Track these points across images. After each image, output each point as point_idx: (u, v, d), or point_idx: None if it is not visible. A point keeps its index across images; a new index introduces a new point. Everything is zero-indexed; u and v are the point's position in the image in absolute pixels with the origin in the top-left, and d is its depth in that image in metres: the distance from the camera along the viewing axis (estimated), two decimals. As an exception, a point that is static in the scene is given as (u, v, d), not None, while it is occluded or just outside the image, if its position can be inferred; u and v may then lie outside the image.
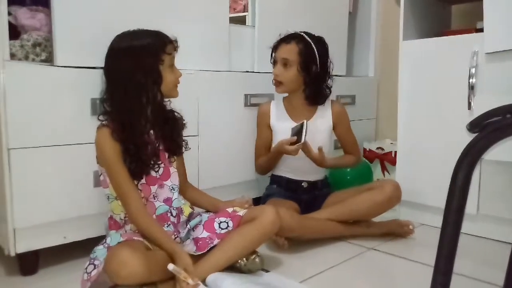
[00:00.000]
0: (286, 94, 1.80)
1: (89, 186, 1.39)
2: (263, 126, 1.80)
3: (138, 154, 1.22)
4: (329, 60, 1.73)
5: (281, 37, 1.71)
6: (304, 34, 1.70)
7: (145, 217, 1.21)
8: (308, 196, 1.77)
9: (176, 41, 1.29)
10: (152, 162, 1.26)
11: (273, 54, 1.73)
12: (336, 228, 1.61)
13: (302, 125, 1.58)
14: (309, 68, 1.67)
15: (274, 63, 1.73)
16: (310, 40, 1.68)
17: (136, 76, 1.20)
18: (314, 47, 1.68)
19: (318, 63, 1.68)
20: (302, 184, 1.77)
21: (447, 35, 1.84)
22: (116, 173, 1.21)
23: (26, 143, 1.26)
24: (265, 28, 1.92)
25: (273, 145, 1.77)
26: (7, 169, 1.23)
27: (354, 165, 1.86)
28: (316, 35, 1.72)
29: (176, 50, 1.29)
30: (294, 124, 1.71)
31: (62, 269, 1.39)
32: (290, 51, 1.67)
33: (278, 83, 1.71)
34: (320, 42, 1.71)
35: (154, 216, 1.29)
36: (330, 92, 1.77)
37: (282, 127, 1.75)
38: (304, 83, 1.70)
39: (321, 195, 1.78)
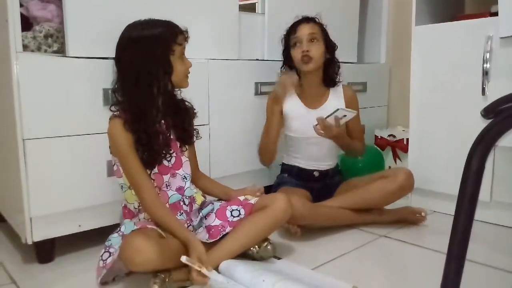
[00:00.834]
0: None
1: (103, 175, 1.41)
2: (274, 111, 1.78)
3: (150, 144, 1.23)
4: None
5: (295, 20, 1.72)
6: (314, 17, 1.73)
7: (158, 206, 1.23)
8: (319, 185, 1.77)
9: (186, 31, 1.28)
10: (164, 152, 1.27)
11: (292, 37, 1.70)
12: (348, 216, 1.62)
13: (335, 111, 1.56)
14: (330, 45, 1.71)
15: (294, 45, 1.70)
16: (322, 23, 1.73)
17: (147, 66, 1.20)
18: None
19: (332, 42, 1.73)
20: (314, 173, 1.77)
21: (460, 20, 1.80)
22: (129, 164, 1.22)
23: (40, 133, 1.28)
24: (275, 15, 1.91)
25: (285, 132, 1.78)
26: (22, 159, 1.25)
27: (360, 153, 1.83)
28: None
29: (186, 41, 1.29)
30: (307, 109, 1.73)
31: (78, 257, 1.42)
32: (314, 28, 1.69)
33: (308, 59, 1.66)
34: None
35: (167, 205, 1.30)
36: (339, 78, 1.78)
37: (294, 112, 1.75)
38: (326, 61, 1.72)
39: (332, 183, 1.78)
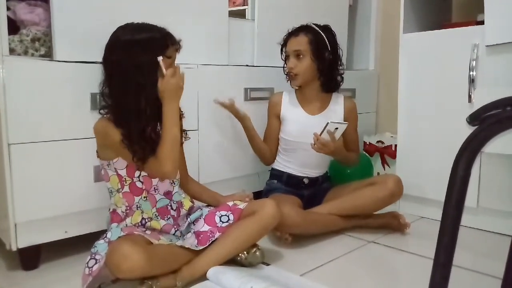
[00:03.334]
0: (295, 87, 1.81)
1: (90, 180, 1.39)
2: (273, 117, 1.80)
3: (133, 148, 1.20)
4: (338, 47, 1.74)
5: (289, 31, 1.72)
6: (311, 24, 1.71)
7: (157, 160, 1.21)
8: (309, 192, 1.77)
9: (179, 42, 1.26)
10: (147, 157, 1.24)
11: (284, 50, 1.74)
12: (339, 222, 1.62)
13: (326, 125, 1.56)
14: (321, 55, 1.69)
15: (286, 58, 1.73)
16: (317, 29, 1.70)
17: (135, 74, 1.17)
18: (323, 35, 1.69)
19: (329, 49, 1.70)
20: (303, 180, 1.77)
21: (447, 28, 1.83)
22: (126, 152, 1.20)
23: (26, 138, 1.26)
24: (265, 21, 1.92)
25: (281, 135, 1.78)
26: (7, 164, 1.23)
27: (354, 164, 1.84)
28: (322, 24, 1.73)
29: (178, 51, 1.27)
30: (305, 115, 1.74)
31: (64, 264, 1.39)
32: (301, 42, 1.68)
33: (293, 76, 1.70)
34: (328, 30, 1.73)
35: (154, 209, 1.29)
36: (342, 79, 1.78)
37: (293, 116, 1.76)
38: (318, 71, 1.71)
39: (321, 190, 1.79)
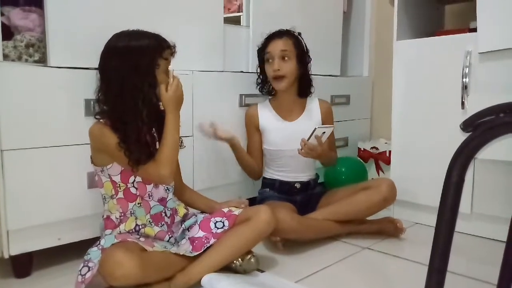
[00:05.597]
0: (269, 97, 1.83)
1: (83, 187, 1.38)
2: (252, 130, 1.80)
3: (129, 150, 1.19)
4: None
5: (267, 35, 1.73)
6: (289, 29, 1.74)
7: (155, 163, 1.22)
8: (302, 197, 1.77)
9: (174, 46, 1.27)
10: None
11: (264, 52, 1.73)
12: (334, 227, 1.62)
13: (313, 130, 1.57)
14: (304, 59, 1.71)
15: (267, 60, 1.72)
16: (296, 33, 1.73)
17: (132, 78, 1.19)
18: (301, 39, 1.73)
19: (307, 54, 1.74)
20: (295, 185, 1.77)
21: (440, 35, 1.85)
22: (121, 156, 1.20)
23: (19, 144, 1.25)
24: (260, 28, 1.92)
25: (263, 146, 1.79)
26: (0, 170, 1.22)
27: (335, 163, 1.87)
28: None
29: (173, 56, 1.28)
30: (284, 122, 1.75)
31: (56, 271, 1.38)
32: (287, 44, 1.69)
33: (280, 78, 1.69)
34: (300, 36, 1.76)
35: (148, 216, 1.29)
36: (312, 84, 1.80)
37: (272, 126, 1.76)
38: (299, 75, 1.72)
39: (314, 195, 1.79)
